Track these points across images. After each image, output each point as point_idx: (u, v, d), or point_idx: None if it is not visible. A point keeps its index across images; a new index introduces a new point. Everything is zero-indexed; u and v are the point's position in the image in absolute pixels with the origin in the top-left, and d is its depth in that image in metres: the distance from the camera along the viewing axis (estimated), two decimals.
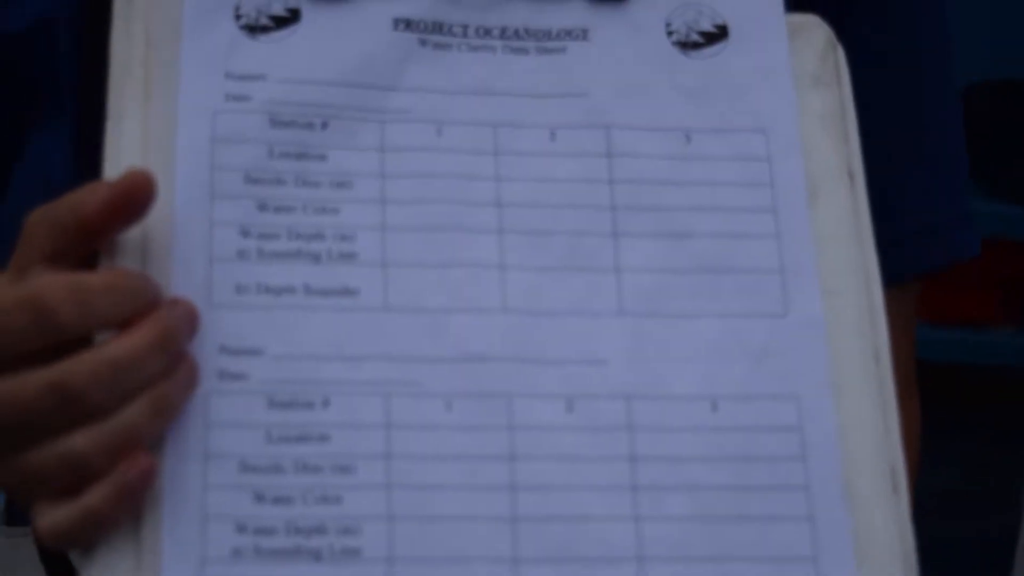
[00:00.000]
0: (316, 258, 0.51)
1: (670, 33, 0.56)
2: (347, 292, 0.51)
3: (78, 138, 0.60)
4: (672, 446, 0.51)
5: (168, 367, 0.47)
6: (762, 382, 0.52)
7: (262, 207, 0.51)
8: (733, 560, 0.50)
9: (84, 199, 0.48)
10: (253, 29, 0.54)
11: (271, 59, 0.53)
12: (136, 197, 0.48)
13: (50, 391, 0.46)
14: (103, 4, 0.54)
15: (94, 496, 0.46)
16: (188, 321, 0.49)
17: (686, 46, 0.56)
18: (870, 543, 0.50)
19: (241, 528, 0.47)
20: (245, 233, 0.51)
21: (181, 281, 0.50)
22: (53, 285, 0.47)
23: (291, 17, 0.54)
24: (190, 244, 0.50)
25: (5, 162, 0.64)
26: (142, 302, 0.48)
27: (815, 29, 0.57)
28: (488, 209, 0.53)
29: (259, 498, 0.48)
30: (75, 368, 0.46)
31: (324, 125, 0.53)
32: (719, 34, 0.57)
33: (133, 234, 0.50)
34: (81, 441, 0.46)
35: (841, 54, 0.57)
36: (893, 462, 0.52)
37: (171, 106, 0.52)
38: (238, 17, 0.54)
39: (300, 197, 0.52)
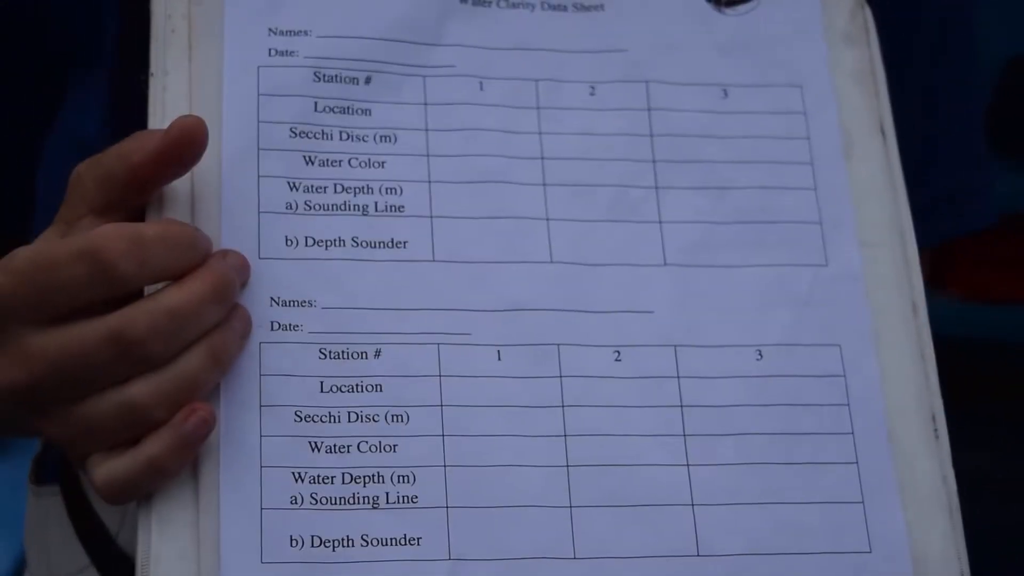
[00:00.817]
0: (363, 211, 0.51)
1: None
2: (395, 244, 0.51)
3: (112, 99, 0.59)
4: (719, 394, 0.51)
5: (223, 317, 0.47)
6: (805, 331, 0.52)
7: (309, 160, 0.51)
8: (783, 504, 0.50)
9: (135, 148, 0.47)
10: None
11: (314, 15, 0.53)
12: (189, 144, 0.47)
13: (109, 340, 0.45)
14: None
15: (153, 445, 0.45)
16: (241, 271, 0.48)
17: (720, 3, 0.56)
18: (914, 487, 0.51)
19: (298, 476, 0.47)
20: (293, 186, 0.51)
21: (230, 233, 0.49)
22: (111, 237, 0.46)
23: None
24: (238, 197, 0.50)
25: (42, 123, 0.63)
26: (196, 253, 0.47)
27: None
28: (532, 162, 0.53)
29: (315, 447, 0.48)
30: (134, 317, 0.45)
31: (368, 80, 0.53)
32: None
33: (181, 187, 0.50)
34: (140, 390, 0.45)
35: (869, 13, 0.57)
36: (934, 409, 0.52)
37: (216, 61, 0.52)
38: None
39: (346, 150, 0.52)
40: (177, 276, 0.46)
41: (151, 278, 0.46)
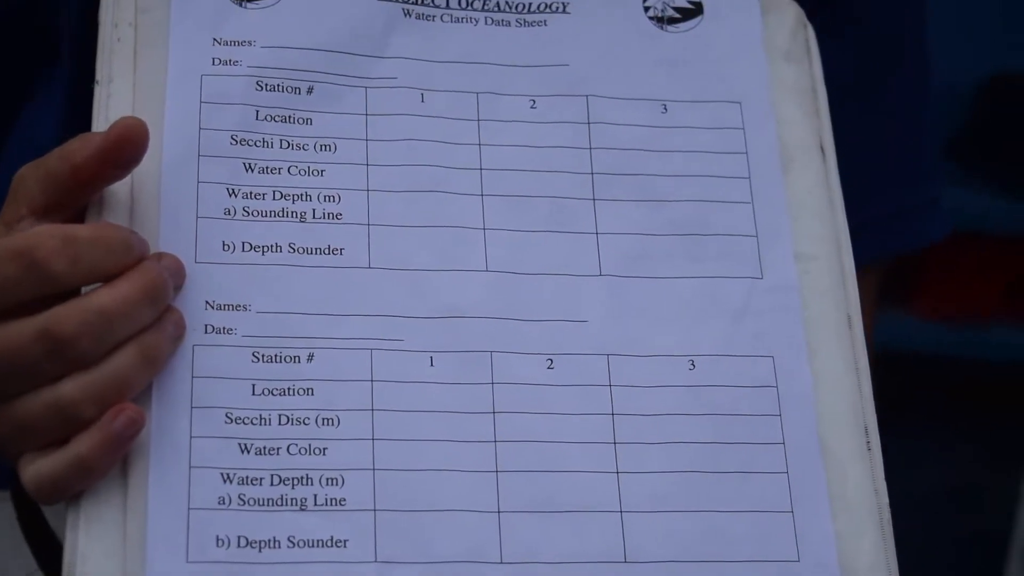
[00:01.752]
0: (301, 217, 0.51)
1: (647, 8, 0.57)
2: (332, 251, 0.51)
3: (69, 106, 0.59)
4: (651, 403, 0.51)
5: (156, 319, 0.47)
6: (739, 342, 0.52)
7: (248, 167, 0.51)
8: (713, 512, 0.49)
9: (76, 148, 0.47)
10: None
11: (259, 26, 0.53)
12: (129, 145, 0.47)
13: (39, 338, 0.45)
14: None
15: (82, 444, 0.45)
16: (175, 274, 0.48)
17: (663, 20, 0.57)
18: (845, 498, 0.50)
19: (227, 477, 0.47)
20: (232, 192, 0.51)
21: (168, 237, 0.49)
22: (44, 236, 0.46)
23: None
24: (177, 202, 0.50)
25: (0, 127, 0.63)
26: (131, 255, 0.47)
27: (786, 7, 0.58)
28: (471, 173, 0.53)
29: (244, 449, 0.47)
30: (65, 316, 0.45)
31: (310, 90, 0.53)
32: (695, 9, 0.57)
33: (121, 191, 0.50)
34: (70, 389, 0.45)
35: (811, 32, 0.58)
36: (867, 421, 0.52)
37: (160, 69, 0.52)
38: None
39: (286, 158, 0.52)
40: (111, 277, 0.46)
41: (84, 279, 0.46)
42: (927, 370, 2.13)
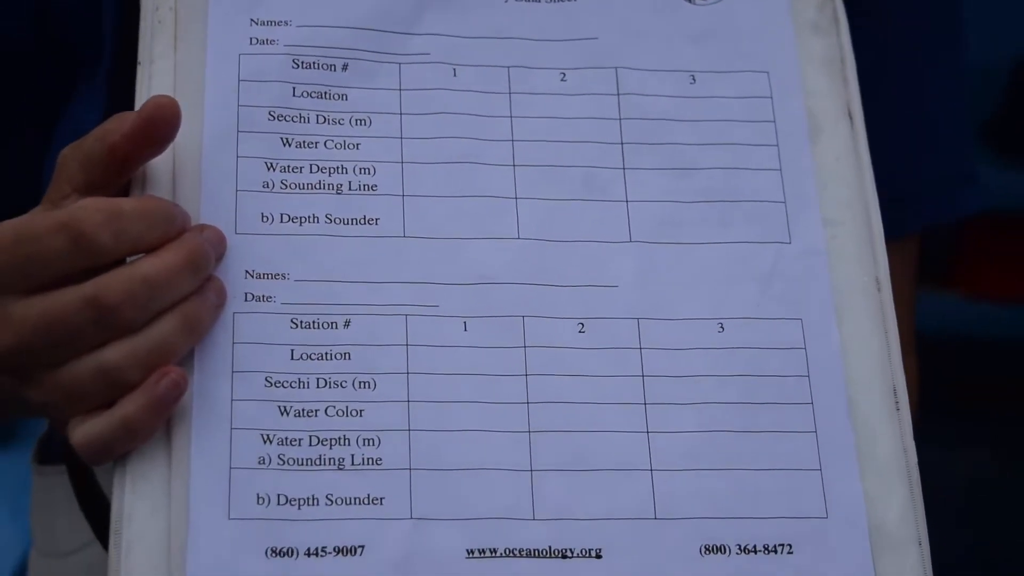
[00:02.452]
0: (338, 190, 0.51)
1: None
2: (367, 221, 0.51)
3: (112, 101, 0.60)
4: (680, 365, 0.51)
5: (198, 287, 0.48)
6: (767, 305, 0.52)
7: (286, 142, 0.52)
8: (742, 471, 0.49)
9: (112, 128, 0.48)
10: None
11: (294, 5, 0.54)
12: (162, 122, 0.48)
13: (86, 306, 0.46)
14: None
15: (127, 406, 0.46)
16: (216, 244, 0.49)
17: None
18: (873, 457, 0.50)
19: (266, 438, 0.48)
20: (270, 166, 0.51)
21: (209, 210, 0.50)
22: (89, 210, 0.47)
23: None
24: (217, 176, 0.51)
25: (48, 124, 0.64)
26: (173, 227, 0.48)
27: None
28: (503, 144, 0.53)
29: (284, 411, 0.48)
30: (110, 284, 0.46)
31: (345, 66, 0.53)
32: None
33: (163, 166, 0.50)
34: (115, 354, 0.46)
35: (840, 4, 0.57)
36: (895, 382, 0.52)
37: (199, 50, 0.53)
38: None
39: (322, 133, 0.52)
40: (154, 248, 0.47)
41: (128, 250, 0.47)
42: (965, 350, 2.11)
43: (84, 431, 0.47)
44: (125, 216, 0.47)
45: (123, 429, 0.46)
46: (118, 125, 0.48)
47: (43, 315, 0.46)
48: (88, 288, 0.46)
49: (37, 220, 0.47)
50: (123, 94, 0.55)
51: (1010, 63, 2.13)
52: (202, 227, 0.49)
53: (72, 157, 0.49)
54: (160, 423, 0.47)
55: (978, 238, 2.12)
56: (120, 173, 0.49)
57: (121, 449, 0.47)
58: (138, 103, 0.52)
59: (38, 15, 0.62)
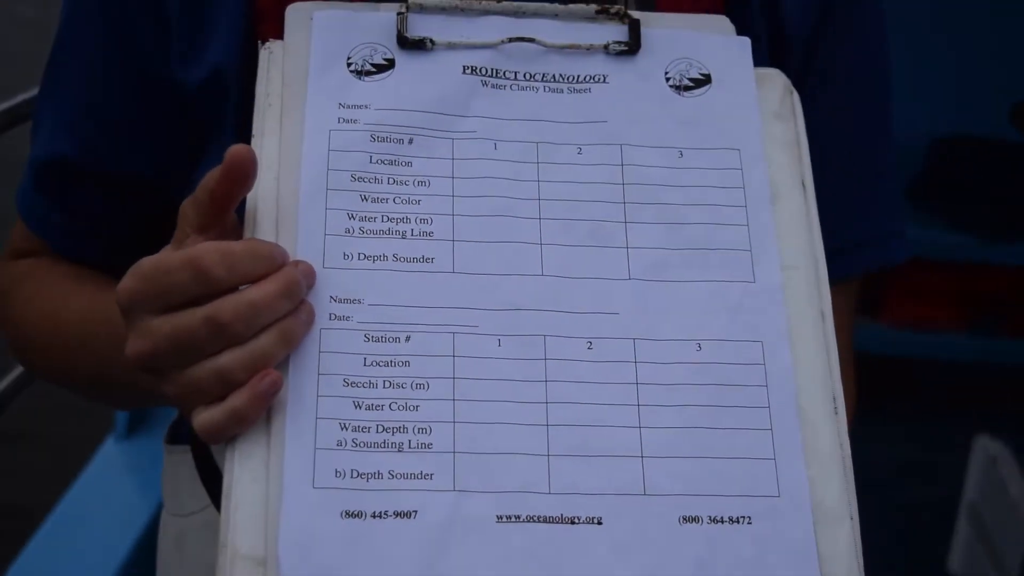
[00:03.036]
0: (402, 235, 0.51)
1: (668, 79, 0.56)
2: (425, 260, 0.51)
3: None
4: (667, 375, 0.50)
5: (293, 309, 0.47)
6: (735, 330, 0.51)
7: (364, 198, 0.51)
8: (713, 459, 0.49)
9: (209, 177, 0.48)
10: (360, 73, 0.54)
11: (373, 94, 0.53)
12: (239, 166, 0.48)
13: (204, 323, 0.46)
14: (256, 56, 0.55)
15: (236, 399, 0.46)
16: (307, 276, 0.49)
17: (679, 88, 0.56)
18: (816, 449, 0.49)
19: (343, 426, 0.47)
20: (351, 216, 0.51)
21: (303, 249, 0.50)
22: (209, 249, 0.47)
23: (388, 64, 0.54)
24: (311, 223, 0.50)
25: (187, 174, 0.64)
26: (274, 263, 0.48)
27: (776, 78, 0.57)
28: (531, 203, 0.52)
29: (357, 405, 0.48)
30: (223, 306, 0.46)
31: (411, 140, 0.53)
32: (704, 80, 0.56)
33: (269, 215, 0.50)
34: (227, 359, 0.46)
35: (796, 98, 0.56)
36: (835, 392, 0.51)
37: (299, 127, 0.52)
38: (349, 64, 0.54)
39: (392, 192, 0.52)
40: (259, 279, 0.47)
41: (238, 281, 0.47)
42: (893, 367, 2.09)
43: (203, 418, 0.47)
44: (236, 255, 0.47)
45: (233, 417, 0.46)
46: (212, 175, 0.48)
47: (173, 330, 0.47)
48: (208, 309, 0.46)
49: (167, 257, 0.48)
50: None
51: (927, 140, 2.13)
52: (298, 263, 0.49)
53: (188, 205, 0.49)
54: (261, 413, 0.47)
55: (902, 279, 2.10)
56: (221, 212, 0.49)
57: (231, 433, 0.47)
58: None
59: (178, 102, 0.62)
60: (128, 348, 0.48)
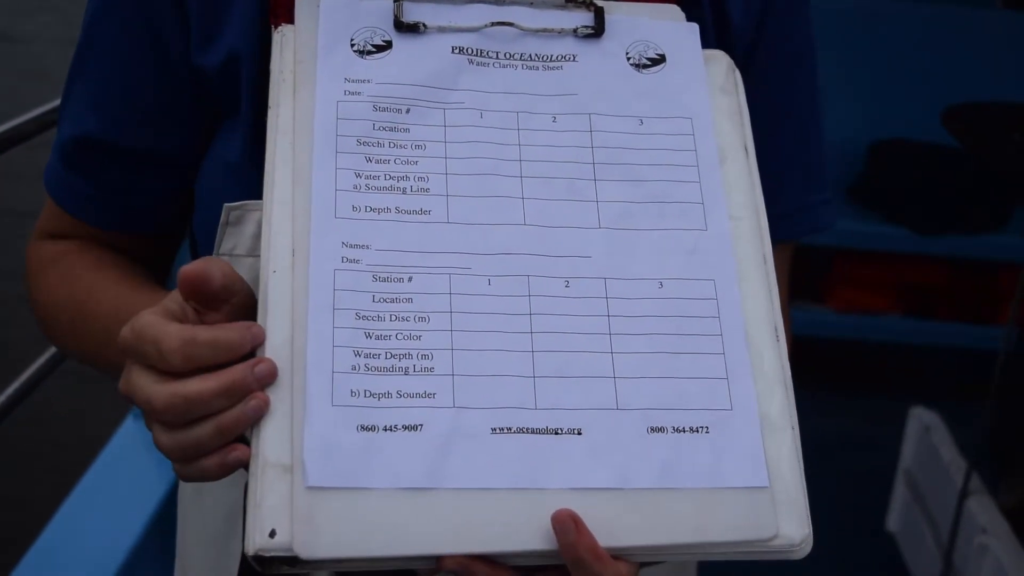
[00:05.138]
0: (403, 191, 0.54)
1: (628, 58, 0.59)
2: (423, 212, 0.53)
3: (249, 133, 0.62)
4: (634, 309, 0.53)
5: (234, 403, 0.47)
6: (691, 270, 0.54)
7: (369, 159, 0.54)
8: (675, 378, 0.52)
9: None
10: (362, 52, 0.57)
11: (374, 70, 0.56)
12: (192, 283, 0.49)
13: (145, 400, 0.48)
14: (270, 40, 0.57)
15: (206, 462, 0.48)
16: (264, 376, 0.48)
17: (639, 66, 0.59)
18: (761, 370, 0.53)
19: (357, 353, 0.50)
20: (358, 175, 0.54)
21: (317, 203, 0.52)
22: (172, 334, 0.47)
23: (386, 45, 0.57)
24: (323, 180, 0.53)
25: (202, 152, 0.66)
26: (236, 353, 0.48)
27: (721, 58, 0.61)
28: (514, 163, 0.56)
29: (368, 335, 0.50)
30: (159, 393, 0.47)
31: (408, 110, 0.56)
32: (660, 59, 0.60)
33: (286, 175, 0.53)
34: (163, 438, 0.48)
35: (738, 75, 0.60)
36: (776, 323, 0.54)
37: (311, 99, 0.55)
38: (352, 45, 0.57)
39: (393, 154, 0.54)
40: (219, 367, 0.47)
41: (195, 369, 0.47)
42: (836, 349, 2.14)
43: (176, 468, 0.49)
44: (197, 343, 0.46)
45: (199, 473, 0.48)
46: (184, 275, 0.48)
47: (128, 386, 0.49)
48: (149, 390, 0.47)
49: (151, 324, 0.48)
50: (258, 130, 0.58)
51: (866, 143, 2.18)
52: (258, 361, 0.48)
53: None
54: (230, 473, 0.49)
55: (843, 268, 2.16)
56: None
57: (197, 480, 0.49)
58: (268, 133, 0.54)
59: (196, 85, 0.63)
60: (120, 384, 0.49)
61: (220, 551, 0.70)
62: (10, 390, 1.08)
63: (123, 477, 1.35)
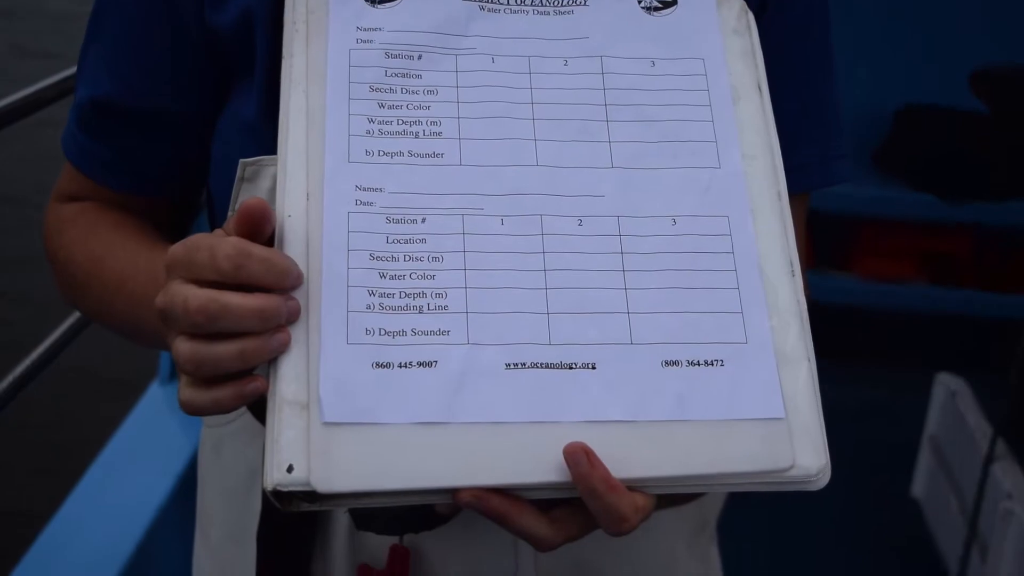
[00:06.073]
0: (416, 135, 0.54)
1: (639, 1, 0.59)
2: (436, 155, 0.54)
3: (264, 91, 0.62)
4: (647, 245, 0.53)
5: (263, 332, 0.48)
6: (705, 207, 0.54)
7: (381, 105, 0.54)
8: (689, 313, 0.52)
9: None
10: (374, 1, 0.57)
11: (385, 18, 0.56)
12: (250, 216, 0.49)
13: (182, 302, 0.48)
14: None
15: (220, 392, 0.48)
16: (291, 312, 0.49)
17: (650, 9, 0.59)
18: (776, 304, 0.52)
19: (371, 293, 0.50)
20: (370, 120, 0.54)
21: (331, 147, 0.52)
22: (229, 243, 0.48)
23: None
24: (337, 126, 0.53)
25: (217, 109, 0.66)
26: (282, 280, 0.48)
27: (733, 1, 0.60)
28: (526, 106, 0.56)
29: (382, 275, 0.50)
30: (199, 295, 0.48)
31: (420, 57, 0.56)
32: (672, 2, 0.59)
33: (300, 122, 0.53)
34: (184, 347, 0.48)
35: (751, 16, 0.59)
36: (791, 258, 0.54)
37: (323, 48, 0.55)
38: None
39: (405, 100, 0.55)
40: (265, 289, 0.47)
41: (244, 281, 0.47)
42: (861, 317, 2.12)
43: (186, 395, 0.49)
44: (251, 257, 0.47)
45: (214, 405, 0.48)
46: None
47: (166, 298, 0.49)
48: (188, 291, 0.47)
49: (207, 236, 0.49)
50: (272, 87, 0.57)
51: (892, 109, 2.15)
52: (290, 298, 0.49)
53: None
54: (242, 404, 0.49)
55: (869, 236, 2.14)
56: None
57: (209, 413, 0.49)
58: (283, 80, 0.54)
59: (210, 45, 0.64)
60: (156, 298, 0.50)
61: (240, 509, 0.70)
62: (3, 384, 1.08)
63: (149, 442, 1.37)
